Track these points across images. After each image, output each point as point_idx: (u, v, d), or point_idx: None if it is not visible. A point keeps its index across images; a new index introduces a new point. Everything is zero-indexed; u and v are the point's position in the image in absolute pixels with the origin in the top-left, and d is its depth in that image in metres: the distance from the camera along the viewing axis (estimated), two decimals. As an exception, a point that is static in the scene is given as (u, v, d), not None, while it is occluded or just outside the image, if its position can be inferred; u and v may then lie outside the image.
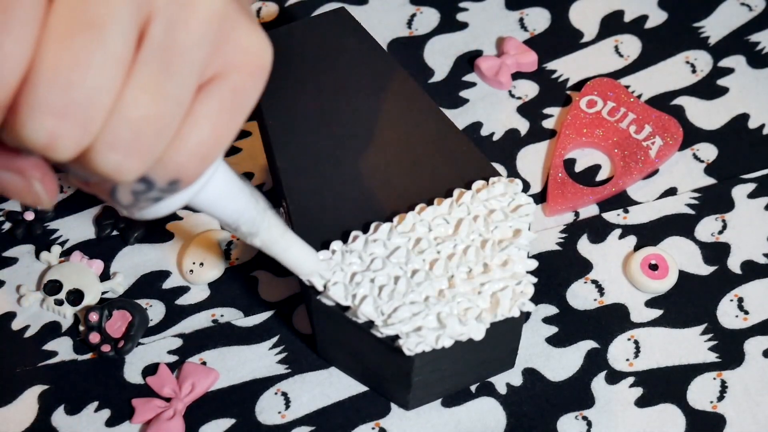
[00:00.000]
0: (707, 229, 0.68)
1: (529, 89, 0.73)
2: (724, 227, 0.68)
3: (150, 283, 0.67)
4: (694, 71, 0.74)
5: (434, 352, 0.55)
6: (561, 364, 0.63)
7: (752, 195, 0.69)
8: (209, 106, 0.39)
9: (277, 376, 0.63)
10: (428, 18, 0.77)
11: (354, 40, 0.65)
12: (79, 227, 0.69)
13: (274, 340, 0.64)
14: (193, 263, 0.66)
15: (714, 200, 0.69)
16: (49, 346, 0.65)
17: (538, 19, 0.76)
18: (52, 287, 0.66)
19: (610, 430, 0.61)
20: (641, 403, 0.62)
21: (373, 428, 0.61)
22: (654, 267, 0.65)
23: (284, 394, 0.63)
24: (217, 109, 0.39)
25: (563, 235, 0.67)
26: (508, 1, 0.77)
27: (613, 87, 0.72)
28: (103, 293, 0.66)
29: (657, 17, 0.76)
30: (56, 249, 0.67)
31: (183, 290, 0.66)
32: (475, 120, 0.72)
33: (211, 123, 0.39)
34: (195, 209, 0.50)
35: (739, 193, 0.69)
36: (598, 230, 0.68)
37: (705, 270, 0.66)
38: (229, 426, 0.62)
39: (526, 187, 0.69)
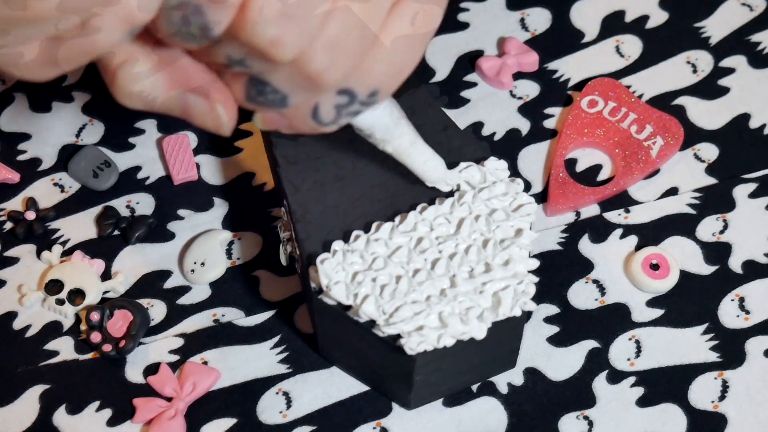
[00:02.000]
0: (708, 228, 0.68)
1: (530, 89, 0.73)
2: (725, 227, 0.68)
3: (151, 283, 0.67)
4: (695, 71, 0.74)
5: (436, 352, 0.55)
6: (562, 364, 0.63)
7: (753, 195, 0.69)
8: (402, 21, 0.43)
9: (278, 375, 0.63)
10: (429, 18, 0.76)
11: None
12: (80, 227, 0.69)
13: (276, 339, 0.64)
14: (195, 263, 0.66)
15: (715, 200, 0.69)
16: (51, 346, 0.65)
17: (539, 19, 0.77)
18: (53, 287, 0.66)
19: (612, 430, 0.61)
20: (642, 402, 0.62)
21: (374, 428, 0.61)
22: (655, 267, 0.65)
23: (285, 393, 0.63)
24: (409, 24, 0.43)
25: (564, 235, 0.67)
26: (509, 1, 0.77)
27: (614, 87, 0.72)
28: (104, 293, 0.66)
29: (658, 17, 0.76)
30: (57, 248, 0.67)
31: (184, 290, 0.66)
32: (476, 120, 0.72)
33: (405, 36, 0.43)
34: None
35: (740, 192, 0.69)
36: (599, 230, 0.68)
37: (706, 270, 0.66)
38: (230, 426, 0.62)
39: (528, 186, 0.69)
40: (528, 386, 0.62)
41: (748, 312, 0.65)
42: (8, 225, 0.69)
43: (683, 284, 0.66)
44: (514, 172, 0.70)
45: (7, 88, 0.74)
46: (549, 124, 0.72)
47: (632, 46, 0.75)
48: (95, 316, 0.64)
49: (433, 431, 0.61)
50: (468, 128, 0.60)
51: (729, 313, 0.65)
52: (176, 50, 0.43)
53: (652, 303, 0.65)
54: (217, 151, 0.71)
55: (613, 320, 0.64)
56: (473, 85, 0.74)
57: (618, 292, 0.65)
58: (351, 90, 0.44)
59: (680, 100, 0.73)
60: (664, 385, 0.62)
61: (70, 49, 0.40)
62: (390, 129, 0.51)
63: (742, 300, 0.65)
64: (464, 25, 0.76)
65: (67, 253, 0.68)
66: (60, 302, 0.65)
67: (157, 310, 0.66)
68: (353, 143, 0.60)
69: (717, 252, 0.67)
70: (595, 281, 0.66)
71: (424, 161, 0.55)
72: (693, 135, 0.71)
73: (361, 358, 0.60)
